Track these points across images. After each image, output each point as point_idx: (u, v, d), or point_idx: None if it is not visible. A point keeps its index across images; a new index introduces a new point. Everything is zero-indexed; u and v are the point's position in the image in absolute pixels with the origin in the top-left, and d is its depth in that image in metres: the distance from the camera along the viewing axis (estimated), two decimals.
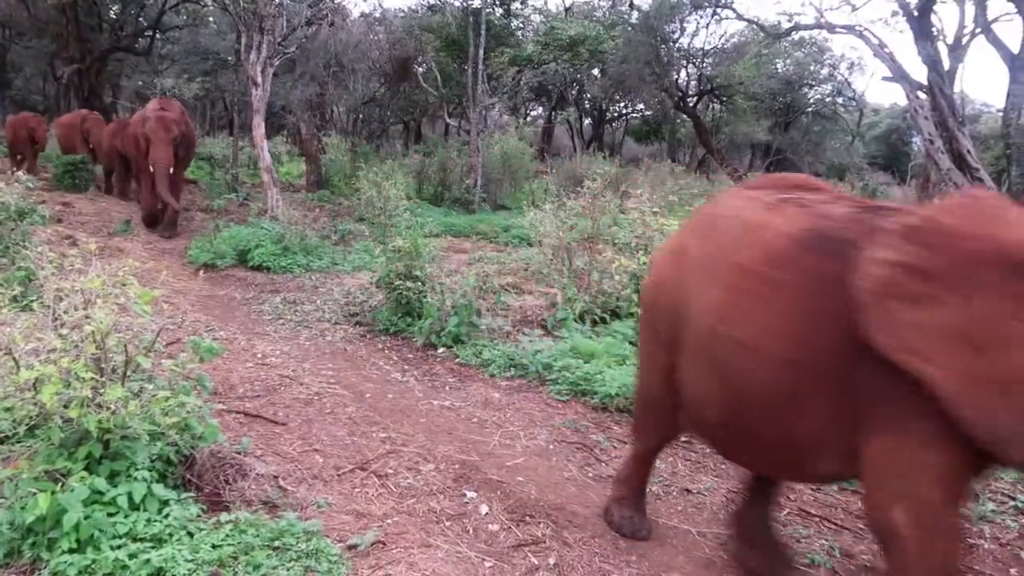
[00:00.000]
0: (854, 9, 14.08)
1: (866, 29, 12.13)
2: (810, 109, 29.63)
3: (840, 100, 29.61)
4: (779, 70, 27.48)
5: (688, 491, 4.11)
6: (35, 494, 2.77)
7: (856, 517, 3.88)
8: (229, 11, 12.40)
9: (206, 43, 23.44)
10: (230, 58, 21.00)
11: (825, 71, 28.23)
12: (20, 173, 7.89)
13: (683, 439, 4.69)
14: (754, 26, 23.93)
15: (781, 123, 29.18)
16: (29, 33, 23.91)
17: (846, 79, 28.39)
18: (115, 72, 26.00)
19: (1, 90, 25.52)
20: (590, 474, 4.24)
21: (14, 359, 2.97)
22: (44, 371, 2.89)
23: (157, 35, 23.60)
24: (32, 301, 3.62)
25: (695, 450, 4.60)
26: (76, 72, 20.80)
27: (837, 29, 14.90)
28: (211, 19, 24.73)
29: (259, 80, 11.65)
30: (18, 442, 3.15)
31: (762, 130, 28.73)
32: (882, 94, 75.61)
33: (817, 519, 3.87)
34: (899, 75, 10.17)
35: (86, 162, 14.59)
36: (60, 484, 2.91)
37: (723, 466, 4.41)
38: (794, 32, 22.98)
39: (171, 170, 10.68)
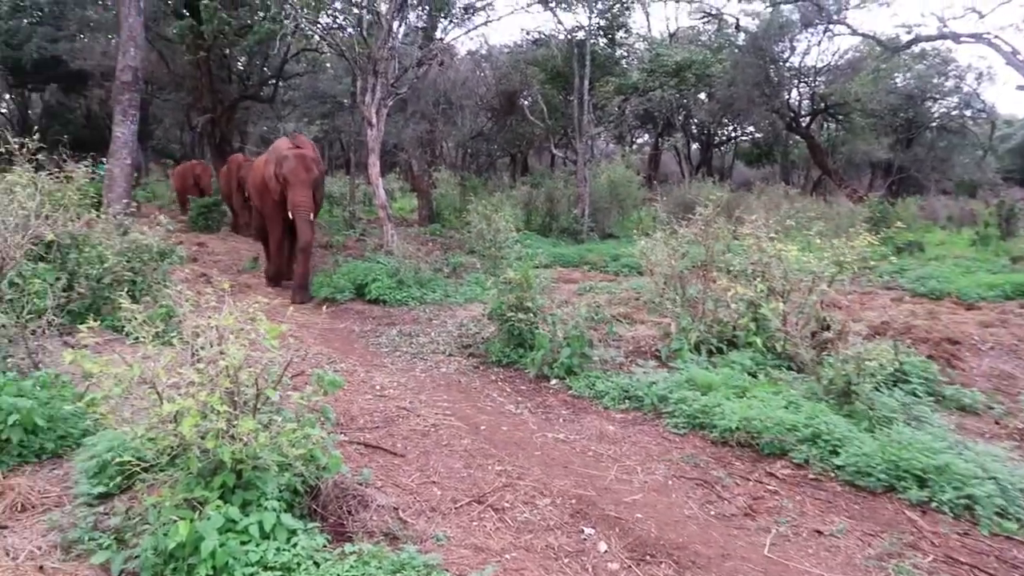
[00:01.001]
0: (981, 17, 13.35)
1: (996, 36, 11.44)
2: (935, 124, 27.95)
3: (968, 113, 27.78)
4: (899, 84, 26.17)
5: (819, 532, 3.87)
6: (176, 521, 2.92)
7: (1012, 566, 3.54)
8: (345, 57, 13.02)
9: (324, 88, 24.76)
10: (346, 101, 22.06)
11: (950, 83, 26.60)
12: (162, 217, 8.50)
13: (811, 476, 4.46)
14: (870, 40, 22.99)
15: (903, 140, 27.67)
16: (168, 87, 25.99)
17: (974, 90, 26.64)
18: (242, 119, 27.80)
19: (144, 140, 27.73)
20: (712, 512, 4.07)
21: (158, 393, 3.16)
22: (184, 404, 3.06)
23: (280, 83, 25.07)
24: (172, 337, 3.86)
25: (824, 488, 4.34)
26: (209, 121, 22.35)
27: (963, 39, 14.12)
28: (328, 65, 26.07)
29: (374, 120, 12.13)
30: (161, 471, 3.33)
31: (882, 148, 27.32)
32: (1016, 104, 70.59)
33: (967, 567, 3.56)
34: None
35: (218, 204, 15.61)
36: (198, 512, 3.05)
37: (856, 506, 4.14)
38: (915, 44, 21.95)
39: (313, 216, 9.70)
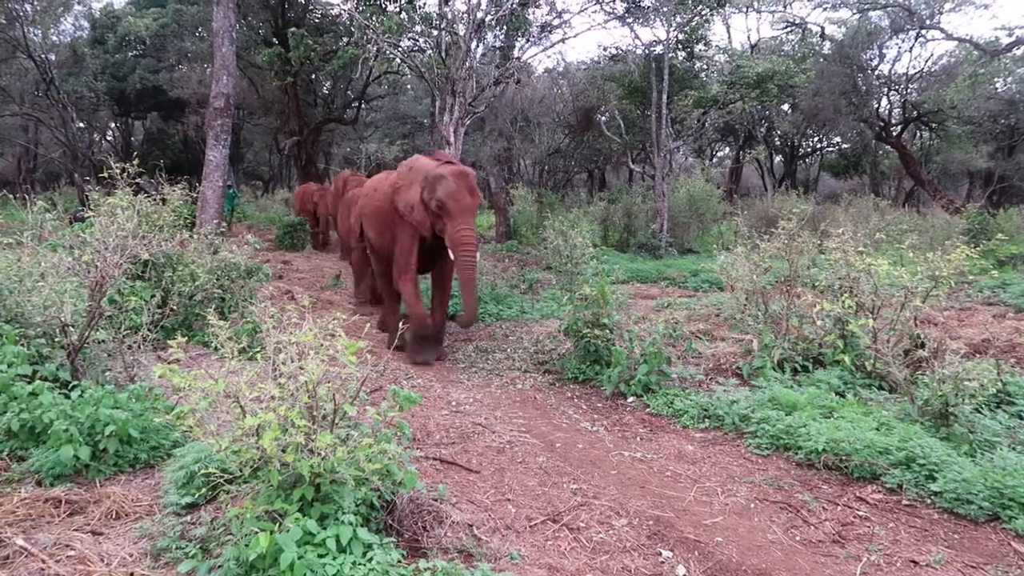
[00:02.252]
0: None
1: None
2: None
3: None
4: (999, 89, 24.81)
5: (915, 563, 3.65)
6: (257, 533, 2.99)
7: None
8: (424, 78, 13.29)
9: (404, 108, 25.38)
10: (425, 120, 22.54)
11: None
12: (249, 236, 8.84)
13: (905, 502, 4.22)
14: (966, 45, 21.98)
15: (1004, 147, 26.16)
16: (258, 112, 27.18)
17: None
18: (327, 141, 28.76)
19: (235, 163, 29.04)
20: (797, 538, 3.90)
21: (241, 406, 3.26)
22: (265, 418, 3.14)
23: (362, 105, 25.84)
24: (257, 352, 3.98)
25: (920, 515, 4.10)
26: (295, 144, 23.22)
27: None
28: (409, 87, 26.74)
29: (452, 139, 12.32)
30: (244, 482, 3.43)
31: (981, 156, 25.94)
32: None
33: None
34: None
35: (303, 223, 16.15)
36: (278, 524, 3.12)
37: (956, 535, 3.89)
38: (1016, 47, 20.82)
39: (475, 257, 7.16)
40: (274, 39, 21.47)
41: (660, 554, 3.62)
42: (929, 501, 4.21)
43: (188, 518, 3.58)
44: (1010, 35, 20.90)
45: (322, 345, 3.49)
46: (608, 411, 6.02)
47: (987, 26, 60.90)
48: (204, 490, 3.52)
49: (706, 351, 7.33)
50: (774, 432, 5.06)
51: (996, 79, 24.65)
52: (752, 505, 4.28)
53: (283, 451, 3.20)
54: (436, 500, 3.85)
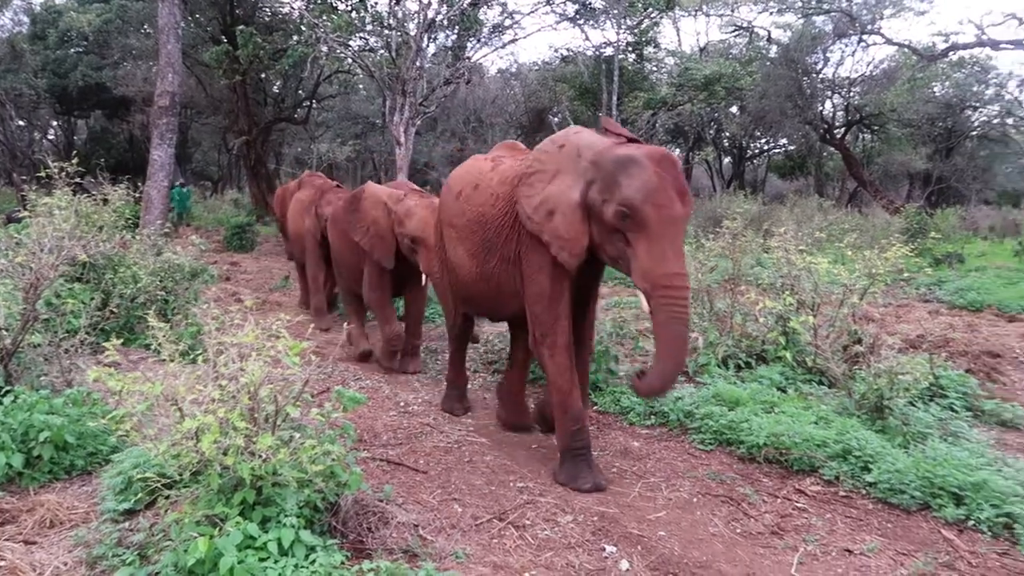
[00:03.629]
0: (1021, 23, 13.02)
1: None
2: (975, 133, 27.42)
3: (1010, 121, 27.19)
4: (937, 93, 25.74)
5: (849, 552, 3.76)
6: (196, 538, 2.95)
7: None
8: (375, 77, 13.21)
9: (356, 108, 25.15)
10: (378, 121, 22.38)
11: (991, 91, 26.08)
12: (194, 237, 8.68)
13: (842, 493, 4.35)
14: (905, 50, 22.67)
15: (942, 149, 27.14)
16: (206, 112, 26.66)
17: (1016, 98, 26.06)
18: (277, 141, 28.33)
19: (183, 163, 28.44)
20: (738, 530, 3.99)
21: (179, 409, 3.21)
22: (204, 420, 3.09)
23: (313, 104, 25.53)
24: (198, 355, 3.92)
25: (856, 506, 4.23)
26: (245, 143, 22.83)
27: (1002, 45, 13.86)
28: (360, 86, 26.50)
29: (402, 140, 12.28)
30: (184, 487, 3.37)
31: (920, 158, 26.84)
32: None
33: None
34: None
35: (252, 224, 15.90)
36: (218, 528, 3.08)
37: (889, 524, 4.03)
38: (952, 52, 21.57)
39: None
40: (222, 37, 21.05)
41: (604, 549, 3.67)
42: (864, 492, 4.35)
43: (126, 525, 3.50)
44: (946, 41, 21.65)
45: (264, 346, 3.46)
46: None
47: (925, 32, 63.02)
48: (142, 496, 3.45)
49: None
50: (717, 427, 5.17)
51: (934, 83, 25.55)
52: (695, 499, 4.36)
53: (223, 454, 3.15)
54: (382, 501, 3.84)
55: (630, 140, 4.28)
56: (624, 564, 3.53)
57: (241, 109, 22.25)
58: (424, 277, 6.66)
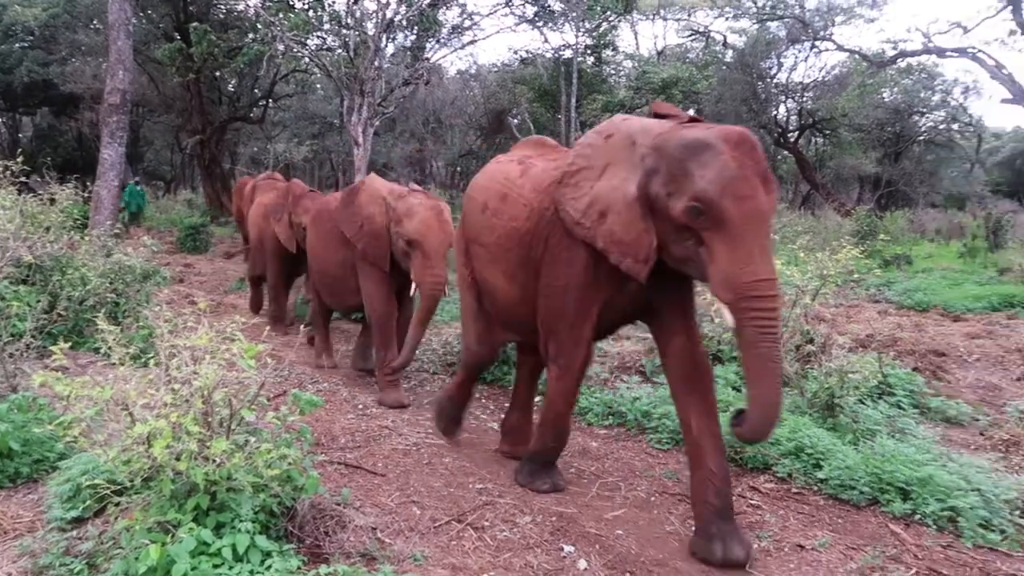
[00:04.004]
0: (965, 31, 13.52)
1: (980, 51, 11.57)
2: (922, 138, 28.26)
3: (955, 126, 28.10)
4: (886, 99, 26.46)
5: (801, 547, 3.85)
6: (147, 545, 2.89)
7: None
8: (332, 76, 13.09)
9: (314, 108, 24.89)
10: (335, 121, 22.17)
11: (937, 97, 26.92)
12: (146, 238, 8.49)
13: (794, 490, 4.44)
14: (856, 56, 23.24)
15: (891, 154, 27.92)
16: (159, 110, 26.10)
17: (961, 104, 26.94)
18: (232, 141, 27.87)
19: (134, 162, 27.78)
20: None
21: (130, 414, 3.14)
22: (156, 425, 3.03)
23: (270, 104, 25.19)
24: (150, 358, 3.84)
25: (807, 502, 4.33)
26: (199, 143, 22.42)
27: (948, 53, 14.32)
28: (318, 86, 26.22)
29: (360, 140, 12.19)
30: (135, 493, 3.30)
31: (870, 162, 27.58)
32: (1003, 117, 71.10)
33: None
34: (1021, 96, 9.58)
35: (206, 225, 15.61)
36: (170, 535, 3.02)
37: (839, 519, 4.13)
38: (900, 59, 22.18)
39: None
40: (175, 33, 20.66)
41: (563, 549, 3.69)
42: (816, 488, 4.45)
43: (74, 533, 3.41)
44: (895, 48, 22.27)
45: (219, 349, 3.40)
46: None
47: (875, 39, 64.74)
48: (91, 503, 3.36)
49: (611, 350, 7.50)
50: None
51: (883, 89, 26.25)
52: (652, 498, 4.42)
53: (176, 459, 3.09)
54: (339, 504, 3.80)
55: (692, 120, 3.56)
56: (582, 563, 3.56)
57: (195, 108, 21.85)
58: (413, 287, 5.99)
